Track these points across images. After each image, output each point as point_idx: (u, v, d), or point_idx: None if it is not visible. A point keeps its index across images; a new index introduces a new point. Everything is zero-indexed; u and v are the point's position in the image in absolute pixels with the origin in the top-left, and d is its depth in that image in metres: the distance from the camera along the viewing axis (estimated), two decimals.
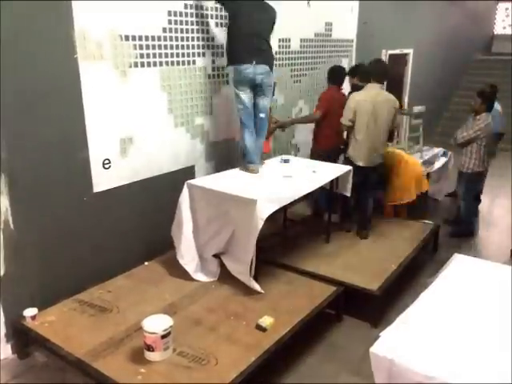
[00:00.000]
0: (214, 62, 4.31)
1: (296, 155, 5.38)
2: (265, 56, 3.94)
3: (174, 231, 3.67)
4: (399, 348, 2.23)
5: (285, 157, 4.56)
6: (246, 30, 3.79)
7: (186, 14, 3.96)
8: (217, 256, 3.72)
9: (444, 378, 2.06)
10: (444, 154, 6.16)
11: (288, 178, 3.88)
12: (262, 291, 3.40)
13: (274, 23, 4.07)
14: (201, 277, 3.60)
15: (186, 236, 3.58)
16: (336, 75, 4.92)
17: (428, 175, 5.74)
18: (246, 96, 3.91)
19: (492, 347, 2.25)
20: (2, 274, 3.05)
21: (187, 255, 3.60)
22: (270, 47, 4.04)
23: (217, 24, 4.26)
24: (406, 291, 3.97)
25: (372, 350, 2.26)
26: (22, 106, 2.97)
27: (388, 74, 4.56)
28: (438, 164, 5.88)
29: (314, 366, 3.13)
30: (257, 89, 3.94)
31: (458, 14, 10.49)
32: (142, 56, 3.65)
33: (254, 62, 3.80)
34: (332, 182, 4.23)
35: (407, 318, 2.50)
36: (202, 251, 3.68)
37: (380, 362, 2.23)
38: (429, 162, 5.72)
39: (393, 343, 2.28)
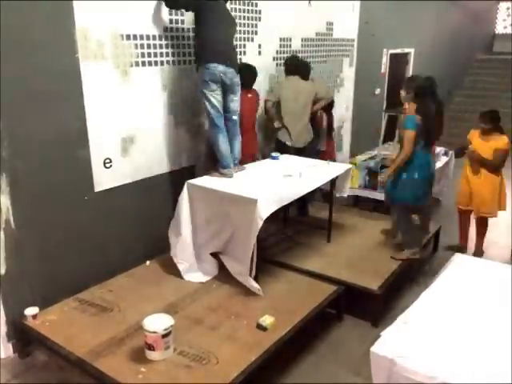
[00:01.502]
0: None
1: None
2: (234, 58, 3.84)
3: (172, 230, 3.67)
4: (400, 348, 2.24)
5: (273, 154, 4.54)
6: (217, 31, 3.65)
7: (188, 14, 3.96)
8: (215, 256, 3.72)
9: (444, 377, 2.06)
10: (445, 154, 6.16)
11: (288, 178, 3.88)
12: (261, 293, 3.40)
13: (235, 24, 4.03)
14: (191, 277, 3.60)
15: (184, 236, 3.58)
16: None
17: None
18: (218, 97, 3.71)
19: (492, 347, 2.25)
20: (3, 273, 3.05)
21: (181, 254, 3.60)
22: (235, 48, 4.02)
23: None
24: (406, 291, 3.98)
25: (372, 349, 2.27)
26: (23, 106, 2.98)
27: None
28: (438, 164, 5.87)
29: (315, 365, 3.13)
30: (227, 90, 3.77)
31: (459, 14, 10.48)
32: (143, 55, 3.66)
33: (225, 65, 3.66)
34: (332, 181, 4.23)
35: (408, 318, 2.50)
36: (200, 251, 3.68)
37: (380, 362, 2.23)
38: None
39: (393, 343, 2.28)
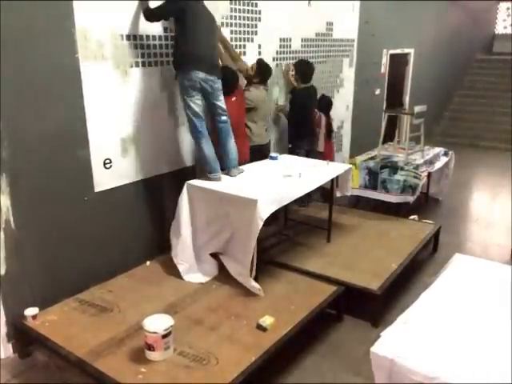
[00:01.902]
0: None
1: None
2: (215, 64, 3.74)
3: (173, 230, 3.67)
4: (400, 348, 2.24)
5: (272, 154, 4.52)
6: (198, 37, 3.52)
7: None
8: (215, 256, 3.72)
9: (444, 377, 2.06)
10: (445, 154, 6.16)
11: (288, 178, 3.88)
12: (262, 293, 3.39)
13: (217, 28, 3.88)
14: (191, 278, 3.60)
15: (184, 237, 3.58)
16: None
17: (429, 175, 5.74)
18: (198, 102, 3.63)
19: (492, 347, 2.25)
20: (3, 273, 3.05)
21: (181, 255, 3.60)
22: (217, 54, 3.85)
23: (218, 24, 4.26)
24: (406, 291, 3.97)
25: (373, 349, 2.27)
26: (23, 106, 2.98)
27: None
28: (438, 164, 5.88)
29: (315, 365, 3.12)
30: (209, 96, 3.70)
31: (459, 14, 10.48)
32: (143, 55, 3.66)
33: (206, 72, 3.58)
34: (332, 180, 4.23)
35: (408, 318, 2.50)
36: (200, 252, 3.68)
37: (380, 362, 2.23)
38: (430, 162, 5.73)
39: (393, 343, 2.28)
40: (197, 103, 3.63)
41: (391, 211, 5.23)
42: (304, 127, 5.15)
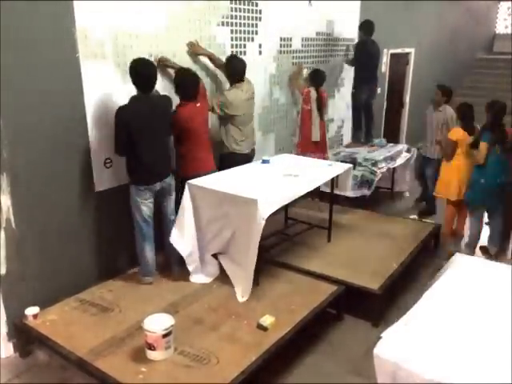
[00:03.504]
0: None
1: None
2: (167, 167, 3.54)
3: (177, 229, 3.64)
4: (403, 350, 2.23)
5: (264, 158, 4.34)
6: (145, 152, 3.32)
7: (188, 14, 3.95)
8: (215, 256, 3.71)
9: (445, 378, 2.06)
10: (408, 151, 6.32)
11: (288, 178, 3.87)
12: (243, 300, 3.34)
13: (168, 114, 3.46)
14: (197, 278, 3.60)
15: (189, 237, 3.57)
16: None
17: (394, 170, 6.08)
18: (150, 206, 3.45)
19: (493, 347, 2.25)
20: (4, 272, 3.05)
21: (190, 256, 3.59)
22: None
23: (218, 23, 4.26)
24: (407, 290, 3.97)
25: (376, 352, 2.26)
26: (24, 105, 2.98)
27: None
28: (400, 160, 6.02)
29: (315, 365, 3.13)
30: (164, 195, 3.55)
31: (459, 14, 10.46)
32: (143, 54, 3.64)
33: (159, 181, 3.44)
34: (332, 180, 4.23)
35: (409, 319, 2.50)
36: (203, 252, 3.67)
37: (384, 365, 2.23)
38: (391, 158, 5.88)
39: (396, 345, 2.28)
40: (148, 206, 3.44)
41: (353, 204, 5.33)
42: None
